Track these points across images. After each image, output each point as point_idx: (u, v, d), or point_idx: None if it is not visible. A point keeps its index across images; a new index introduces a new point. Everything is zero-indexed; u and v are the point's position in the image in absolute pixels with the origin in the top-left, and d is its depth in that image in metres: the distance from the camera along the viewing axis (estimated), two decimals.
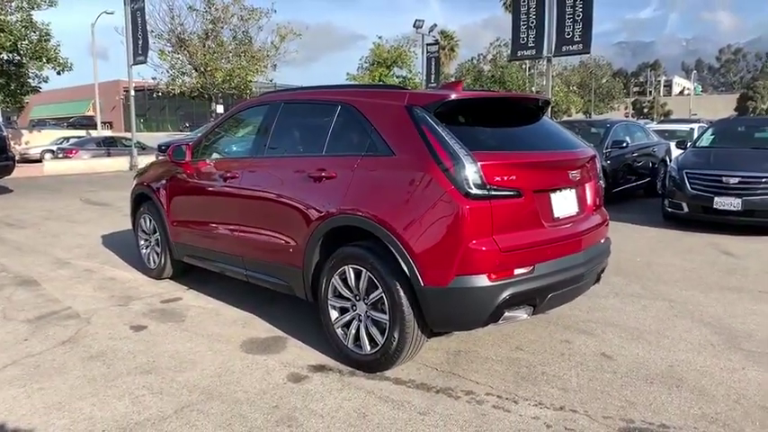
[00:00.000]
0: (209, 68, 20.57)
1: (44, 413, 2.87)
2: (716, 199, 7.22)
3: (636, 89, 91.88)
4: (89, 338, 3.89)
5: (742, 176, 7.14)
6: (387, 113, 3.29)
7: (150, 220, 5.28)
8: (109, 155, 20.73)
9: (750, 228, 7.22)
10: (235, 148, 4.53)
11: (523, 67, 39.96)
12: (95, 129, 34.83)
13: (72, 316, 4.35)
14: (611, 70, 57.57)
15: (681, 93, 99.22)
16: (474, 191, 2.86)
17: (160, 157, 6.56)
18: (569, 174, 3.34)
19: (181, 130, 39.34)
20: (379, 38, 32.24)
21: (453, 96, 3.15)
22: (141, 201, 5.44)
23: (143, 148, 20.36)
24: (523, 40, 14.32)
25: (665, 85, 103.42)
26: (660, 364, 3.42)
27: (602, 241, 3.70)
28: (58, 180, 15.60)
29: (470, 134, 3.11)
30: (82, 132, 32.24)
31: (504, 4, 67.63)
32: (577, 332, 3.94)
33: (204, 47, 21.03)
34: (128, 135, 23.35)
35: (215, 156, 4.55)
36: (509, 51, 41.55)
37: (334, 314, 3.46)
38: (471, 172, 2.87)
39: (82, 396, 3.05)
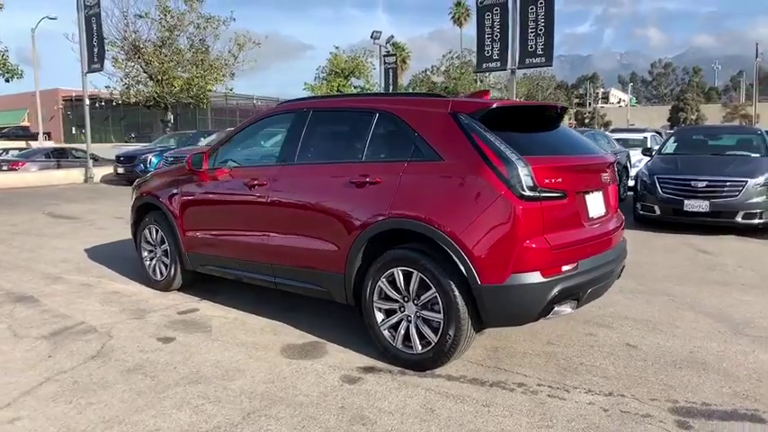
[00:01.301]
0: (166, 77, 20.03)
1: (105, 428, 2.82)
2: (686, 202, 7.76)
3: (576, 100, 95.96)
4: (118, 352, 3.80)
5: (709, 180, 7.71)
6: (431, 121, 3.43)
7: (157, 231, 5.17)
8: (59, 166, 19.77)
9: (716, 228, 7.79)
10: (258, 156, 4.55)
11: (475, 78, 41.10)
12: (34, 139, 33.15)
13: (89, 330, 4.22)
14: (555, 82, 60.00)
15: (617, 104, 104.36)
16: (527, 193, 3.05)
17: (173, 166, 6.38)
18: (600, 176, 3.58)
19: (127, 141, 38.01)
20: (336, 48, 32.44)
21: (496, 105, 3.33)
22: (146, 211, 5.32)
23: (95, 160, 19.56)
24: (488, 52, 14.81)
25: (602, 97, 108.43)
26: (681, 351, 3.70)
27: (622, 240, 3.96)
28: (11, 193, 14.78)
29: (513, 140, 3.28)
30: (21, 143, 30.61)
31: (453, 18, 69.74)
32: (597, 326, 4.18)
33: (160, 55, 20.49)
34: (79, 146, 22.40)
35: (235, 164, 4.54)
36: (460, 63, 42.31)
37: (380, 316, 3.54)
38: (524, 175, 3.06)
39: (138, 408, 3.00)
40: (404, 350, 3.44)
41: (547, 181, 3.12)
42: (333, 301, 3.91)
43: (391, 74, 30.58)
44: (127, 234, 8.13)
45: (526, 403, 2.99)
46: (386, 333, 3.52)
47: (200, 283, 5.28)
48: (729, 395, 3.08)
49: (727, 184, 7.62)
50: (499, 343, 3.84)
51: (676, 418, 2.82)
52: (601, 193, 3.66)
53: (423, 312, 3.35)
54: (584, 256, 3.29)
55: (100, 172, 18.62)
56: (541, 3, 13.91)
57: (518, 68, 14.72)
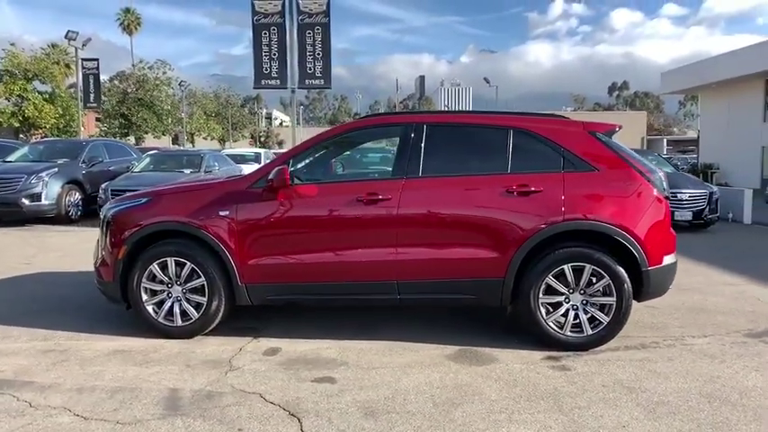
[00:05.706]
0: None
1: None
2: None
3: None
4: (308, 402, 3.15)
5: None
6: (575, 138, 4.07)
7: (180, 265, 4.10)
8: None
9: None
10: (360, 170, 4.20)
11: (171, 93, 39.06)
12: None
13: (211, 396, 3.27)
14: (240, 101, 61.36)
15: (280, 124, 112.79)
16: (666, 194, 4.06)
17: (200, 181, 4.87)
18: None
19: None
20: (12, 44, 26.18)
21: (618, 127, 4.23)
22: (149, 242, 4.13)
23: None
24: (267, 70, 14.96)
25: (266, 117, 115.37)
26: (685, 303, 5.22)
27: None
28: None
29: None
30: None
31: (122, 25, 63.68)
32: None
33: None
34: None
35: (331, 179, 4.11)
36: (156, 74, 39.26)
37: (544, 311, 3.96)
38: (663, 180, 4.06)
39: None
40: (572, 335, 3.95)
41: (667, 184, 4.19)
42: (398, 311, 4.01)
43: (92, 80, 26.68)
44: None
45: (685, 353, 3.96)
46: (552, 324, 3.96)
47: (228, 322, 4.41)
48: (748, 320, 4.69)
49: None
50: None
51: (759, 339, 4.23)
52: None
53: (591, 299, 3.95)
54: None
55: None
56: (318, 29, 14.92)
57: (298, 88, 15.30)
